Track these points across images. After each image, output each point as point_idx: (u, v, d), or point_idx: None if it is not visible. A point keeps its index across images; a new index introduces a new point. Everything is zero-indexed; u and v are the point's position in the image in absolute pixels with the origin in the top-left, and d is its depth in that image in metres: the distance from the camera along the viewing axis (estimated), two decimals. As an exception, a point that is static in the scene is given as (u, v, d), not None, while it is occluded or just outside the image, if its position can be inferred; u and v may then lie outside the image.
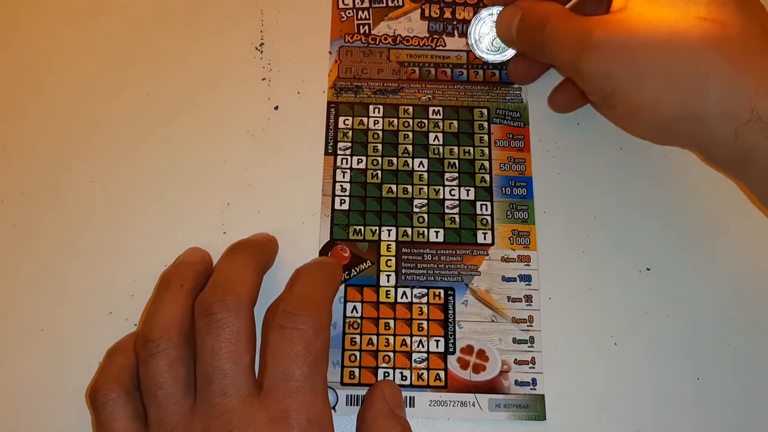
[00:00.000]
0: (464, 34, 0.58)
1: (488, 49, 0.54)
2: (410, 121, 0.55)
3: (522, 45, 0.51)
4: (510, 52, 0.53)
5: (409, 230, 0.52)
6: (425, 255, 0.51)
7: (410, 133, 0.54)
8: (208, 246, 0.50)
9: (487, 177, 0.53)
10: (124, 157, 0.54)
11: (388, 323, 0.49)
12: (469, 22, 0.56)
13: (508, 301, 0.50)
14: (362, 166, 0.53)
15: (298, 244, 0.51)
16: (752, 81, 0.40)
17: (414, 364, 0.48)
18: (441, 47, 0.57)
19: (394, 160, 0.53)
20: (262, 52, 0.57)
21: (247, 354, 0.41)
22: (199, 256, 0.48)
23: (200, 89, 0.56)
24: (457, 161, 0.53)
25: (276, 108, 0.55)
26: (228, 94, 0.56)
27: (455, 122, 0.55)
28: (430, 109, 0.55)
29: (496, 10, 0.52)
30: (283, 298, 0.44)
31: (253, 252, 0.47)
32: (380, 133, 0.54)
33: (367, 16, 0.58)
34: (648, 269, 0.51)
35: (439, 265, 0.51)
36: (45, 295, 0.50)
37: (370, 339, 0.49)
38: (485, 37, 0.53)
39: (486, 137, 0.54)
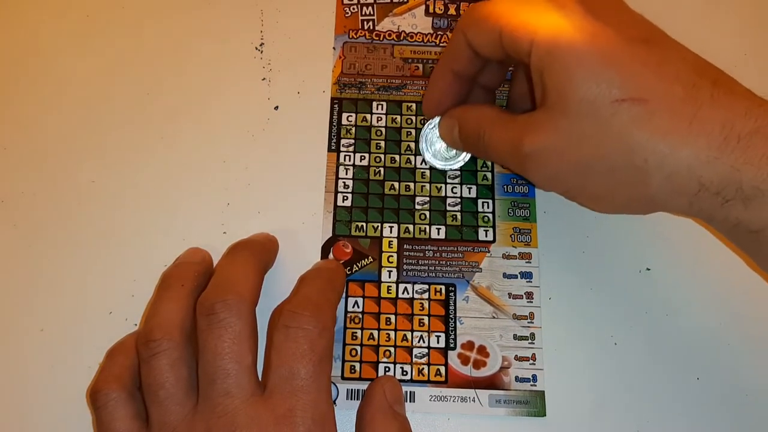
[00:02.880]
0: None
1: (445, 158, 0.53)
2: (413, 118, 0.55)
3: (471, 152, 0.51)
4: (466, 156, 0.53)
5: (410, 227, 0.52)
6: (427, 251, 0.51)
7: (413, 130, 0.54)
8: (208, 246, 0.50)
9: (489, 175, 0.53)
10: (124, 157, 0.54)
11: (389, 318, 0.49)
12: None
13: (509, 297, 0.50)
14: (365, 162, 0.53)
15: (298, 244, 0.51)
16: (690, 151, 0.38)
17: (414, 360, 0.48)
18: (445, 44, 0.57)
19: (397, 157, 0.54)
20: (262, 52, 0.57)
21: (249, 354, 0.41)
22: (199, 256, 0.49)
23: (200, 89, 0.56)
24: (459, 158, 0.54)
25: (276, 108, 0.55)
26: (228, 94, 0.56)
27: (458, 120, 0.55)
28: (434, 106, 0.55)
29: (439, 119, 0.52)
30: (288, 300, 0.44)
31: (253, 252, 0.47)
32: (383, 129, 0.54)
33: (372, 12, 0.58)
34: (648, 269, 0.51)
35: (441, 262, 0.51)
36: (45, 295, 0.50)
37: (371, 334, 0.49)
38: (439, 146, 0.53)
39: (488, 135, 0.54)
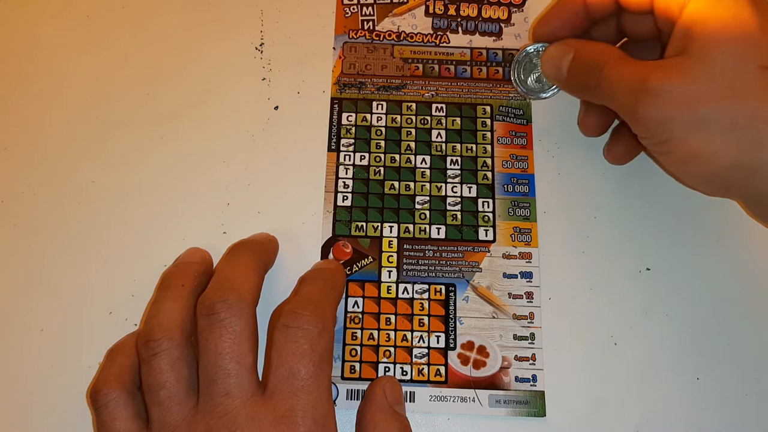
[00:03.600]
0: (468, 31, 0.58)
1: (533, 86, 0.53)
2: (413, 117, 0.55)
3: (574, 85, 0.50)
4: (554, 89, 0.53)
5: (410, 227, 0.52)
6: (427, 251, 0.51)
7: (413, 130, 0.54)
8: (208, 246, 0.50)
9: (489, 174, 0.53)
10: (124, 157, 0.54)
11: (389, 318, 0.49)
12: (473, 18, 0.57)
13: (509, 297, 0.50)
14: (365, 162, 0.53)
15: (298, 244, 0.51)
16: None
17: (414, 360, 0.48)
18: (445, 44, 0.57)
19: (397, 156, 0.54)
20: (262, 52, 0.57)
21: (250, 354, 0.41)
22: (199, 256, 0.49)
23: (200, 89, 0.56)
24: (459, 158, 0.54)
25: (276, 108, 0.55)
26: (228, 94, 0.56)
27: (458, 119, 0.55)
28: (434, 105, 0.55)
29: (542, 46, 0.51)
30: (289, 300, 0.44)
31: (253, 252, 0.47)
32: (383, 129, 0.54)
33: (372, 12, 0.58)
34: (648, 269, 0.51)
35: (441, 262, 0.51)
36: (45, 295, 0.50)
37: (371, 334, 0.49)
38: (530, 73, 0.53)
39: (489, 134, 0.54)
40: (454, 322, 0.49)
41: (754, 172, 0.41)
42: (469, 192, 0.53)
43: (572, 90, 0.51)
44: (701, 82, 0.41)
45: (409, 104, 0.55)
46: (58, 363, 0.49)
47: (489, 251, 0.51)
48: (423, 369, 0.48)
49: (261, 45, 0.57)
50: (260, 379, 0.42)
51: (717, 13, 0.41)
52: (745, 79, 0.40)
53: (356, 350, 0.49)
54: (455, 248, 0.51)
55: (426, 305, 0.50)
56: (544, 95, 0.53)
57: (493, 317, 0.49)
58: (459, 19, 0.58)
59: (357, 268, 0.51)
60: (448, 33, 0.58)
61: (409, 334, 0.49)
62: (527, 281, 0.50)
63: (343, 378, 0.48)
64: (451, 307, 0.50)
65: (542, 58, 0.51)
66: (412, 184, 0.53)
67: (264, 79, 0.56)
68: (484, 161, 0.54)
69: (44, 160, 0.54)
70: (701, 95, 0.41)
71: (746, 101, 0.40)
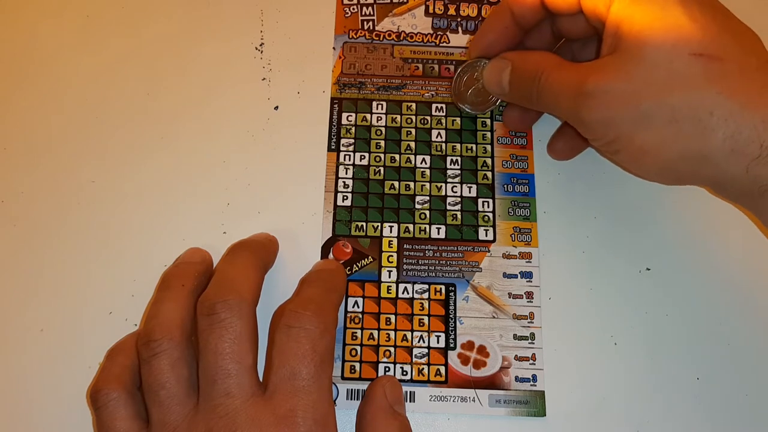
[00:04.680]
0: (468, 31, 0.58)
1: (474, 101, 0.54)
2: (413, 117, 0.55)
3: (515, 96, 0.50)
4: (497, 101, 0.53)
5: (410, 226, 0.52)
6: (427, 251, 0.51)
7: (413, 130, 0.55)
8: (208, 246, 0.50)
9: (489, 174, 0.53)
10: (124, 157, 0.54)
11: (389, 318, 0.49)
12: (473, 18, 0.57)
13: (509, 297, 0.50)
14: (365, 162, 0.53)
15: (298, 244, 0.51)
16: (757, 116, 0.39)
17: (415, 360, 0.48)
18: (445, 44, 0.58)
19: (397, 156, 0.54)
20: (262, 52, 0.57)
21: (250, 354, 0.41)
22: (199, 256, 0.49)
23: (200, 89, 0.56)
24: (459, 158, 0.54)
25: (276, 108, 0.55)
26: (228, 94, 0.56)
27: (458, 119, 0.55)
28: (433, 105, 0.55)
29: (478, 62, 0.51)
30: (291, 300, 0.44)
31: (254, 252, 0.47)
32: (383, 129, 0.55)
33: (372, 12, 0.58)
34: (648, 269, 0.51)
35: (441, 262, 0.51)
36: (45, 295, 0.50)
37: (371, 334, 0.49)
38: (470, 89, 0.53)
39: (488, 134, 0.55)
40: (454, 322, 0.49)
41: (702, 161, 0.41)
42: (469, 192, 0.53)
43: (517, 102, 0.51)
44: (637, 79, 0.41)
45: (409, 104, 0.55)
46: (58, 363, 0.49)
47: (489, 251, 0.51)
48: (423, 369, 0.48)
49: (261, 45, 0.57)
50: (260, 379, 0.42)
51: (642, 8, 0.42)
52: (679, 70, 0.40)
53: (356, 350, 0.49)
54: (455, 248, 0.51)
55: (426, 305, 0.50)
56: (488, 109, 0.54)
57: (493, 317, 0.49)
58: (459, 19, 0.58)
59: (357, 268, 0.51)
60: (448, 33, 0.58)
61: (409, 334, 0.49)
62: (527, 281, 0.50)
63: (343, 378, 0.48)
64: (451, 307, 0.50)
65: (483, 75, 0.51)
66: (412, 184, 0.53)
67: (264, 79, 0.56)
68: (484, 161, 0.54)
69: (44, 160, 0.54)
70: (639, 91, 0.41)
71: (683, 92, 0.40)
